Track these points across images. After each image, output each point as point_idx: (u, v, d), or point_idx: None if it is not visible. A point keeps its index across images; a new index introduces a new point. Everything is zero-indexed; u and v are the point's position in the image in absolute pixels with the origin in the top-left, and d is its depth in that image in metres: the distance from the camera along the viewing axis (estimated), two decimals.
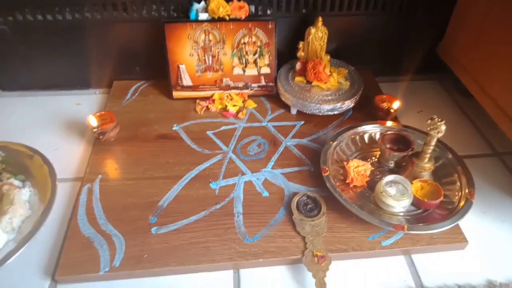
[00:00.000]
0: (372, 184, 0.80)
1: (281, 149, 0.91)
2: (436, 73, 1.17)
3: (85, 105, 1.08)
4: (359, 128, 0.91)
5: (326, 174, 0.79)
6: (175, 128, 0.96)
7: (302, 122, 0.99)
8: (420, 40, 1.11)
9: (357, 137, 0.91)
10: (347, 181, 0.81)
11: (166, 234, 0.72)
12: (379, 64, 1.16)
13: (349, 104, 0.97)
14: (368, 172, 0.81)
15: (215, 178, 0.83)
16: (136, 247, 0.70)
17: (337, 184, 0.79)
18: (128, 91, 1.08)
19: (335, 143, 0.87)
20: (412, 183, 0.77)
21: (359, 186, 0.80)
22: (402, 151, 0.83)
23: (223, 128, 0.97)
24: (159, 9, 1.00)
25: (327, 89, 1.00)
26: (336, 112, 0.97)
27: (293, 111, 1.01)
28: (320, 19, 0.97)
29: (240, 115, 1.00)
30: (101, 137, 0.89)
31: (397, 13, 1.06)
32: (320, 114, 0.96)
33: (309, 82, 1.01)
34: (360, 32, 1.09)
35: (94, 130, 0.89)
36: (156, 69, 1.06)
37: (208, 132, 0.95)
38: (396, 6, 1.04)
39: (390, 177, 0.77)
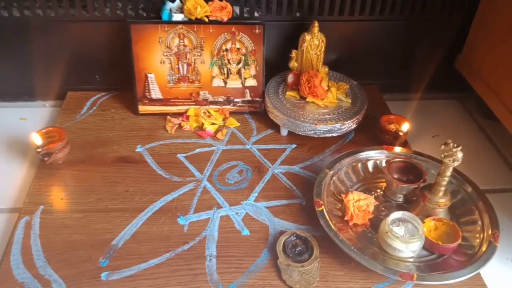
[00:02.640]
0: (376, 222, 0.79)
1: (267, 177, 0.90)
2: (456, 91, 1.19)
3: (32, 120, 1.07)
4: (361, 153, 0.91)
5: (320, 209, 0.78)
6: (138, 149, 0.95)
7: (294, 146, 0.98)
8: (436, 52, 1.13)
9: (359, 165, 0.91)
10: (345, 218, 0.80)
11: (119, 281, 0.70)
12: (387, 79, 1.18)
13: (350, 125, 0.97)
14: (371, 208, 0.80)
15: (185, 211, 0.82)
16: None
17: (334, 221, 0.78)
18: (84, 104, 1.07)
19: (332, 171, 0.87)
20: (424, 222, 0.77)
21: (360, 225, 0.80)
22: (412, 183, 0.83)
23: (197, 150, 0.96)
24: (125, 8, 1.01)
25: (324, 107, 1.00)
26: (334, 134, 0.97)
27: (284, 132, 1.01)
28: (316, 24, 0.98)
29: (219, 135, 1.00)
30: (46, 158, 0.88)
31: (408, 18, 1.08)
32: (316, 136, 0.96)
33: (303, 98, 1.02)
34: (365, 40, 1.11)
35: (38, 150, 0.87)
36: (120, 79, 1.07)
37: (179, 155, 0.94)
38: (407, 10, 1.07)
39: (398, 214, 0.76)
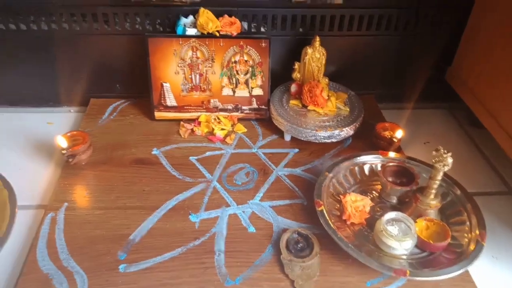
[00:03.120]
0: (371, 221, 0.79)
1: (271, 179, 0.90)
2: (446, 101, 1.18)
3: (58, 124, 1.07)
4: (358, 158, 0.91)
5: (320, 208, 0.78)
6: (154, 152, 0.95)
7: (296, 150, 0.98)
8: (427, 64, 1.12)
9: (356, 168, 0.90)
10: (343, 218, 0.79)
11: (136, 273, 0.70)
12: (383, 89, 1.17)
13: (348, 131, 0.97)
14: (367, 208, 0.80)
15: (196, 210, 0.81)
16: (100, 287, 0.67)
17: (332, 220, 0.77)
18: (105, 110, 1.07)
19: (331, 174, 0.86)
20: (416, 222, 0.76)
21: (357, 224, 0.79)
22: (406, 186, 0.82)
23: (208, 153, 0.96)
24: (143, 22, 1.01)
25: (324, 114, 1.00)
26: (333, 140, 0.96)
27: (287, 138, 1.01)
28: (317, 38, 0.98)
29: (228, 140, 1.00)
30: (70, 159, 0.88)
31: (402, 34, 1.08)
32: (317, 141, 0.96)
33: (304, 106, 1.01)
34: (362, 54, 1.11)
35: (63, 152, 0.87)
36: (138, 87, 1.07)
37: (191, 158, 0.94)
38: (401, 26, 1.07)
39: (392, 215, 0.76)
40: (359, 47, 1.10)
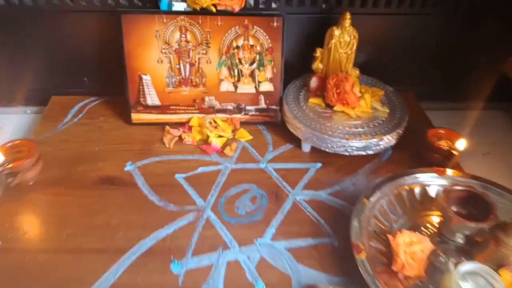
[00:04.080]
0: (433, 272, 0.55)
1: (287, 206, 0.67)
2: (506, 99, 0.95)
3: (9, 129, 0.85)
4: (406, 177, 0.68)
5: (361, 256, 0.55)
6: (128, 168, 0.72)
7: (319, 165, 0.75)
8: (487, 54, 0.89)
9: (404, 193, 0.67)
10: (394, 268, 0.56)
11: None
12: (426, 86, 0.94)
13: (389, 140, 0.74)
14: (427, 253, 0.56)
15: (181, 254, 0.58)
16: None
17: (378, 270, 0.54)
18: (69, 111, 0.85)
19: (372, 200, 0.63)
20: (499, 274, 0.52)
21: (413, 277, 0.56)
22: (480, 220, 0.58)
23: (200, 170, 0.73)
24: None
25: (356, 117, 0.77)
26: (370, 152, 0.73)
27: (306, 148, 0.78)
28: (348, 16, 0.75)
29: (227, 151, 0.76)
30: (10, 180, 0.65)
31: (455, 14, 0.85)
32: (346, 154, 0.73)
33: (329, 106, 0.78)
34: (401, 39, 0.88)
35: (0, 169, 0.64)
36: (111, 81, 0.84)
37: (177, 175, 0.71)
38: (454, 4, 0.83)
39: (468, 266, 0.53)
40: (396, 30, 0.87)
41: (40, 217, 0.64)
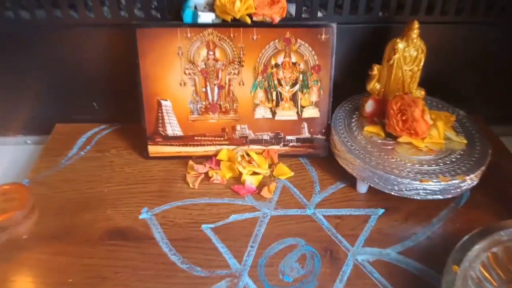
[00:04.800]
0: None
1: (346, 270, 0.52)
2: None
3: (4, 163, 0.73)
4: (502, 232, 0.53)
5: None
6: (144, 215, 0.59)
7: (381, 211, 0.61)
8: None
9: (500, 252, 0.52)
10: None
11: None
12: (495, 107, 0.79)
13: (473, 181, 0.59)
14: None
15: None
16: None
17: None
18: (75, 142, 0.73)
19: (462, 268, 0.48)
20: None
21: None
22: None
23: (232, 218, 0.59)
24: (130, 7, 0.66)
25: (426, 151, 0.62)
26: (448, 196, 0.58)
27: (362, 188, 0.64)
28: (416, 25, 0.62)
29: (265, 192, 0.63)
30: None
31: None
32: (418, 197, 0.58)
33: (390, 136, 0.64)
34: (467, 52, 0.74)
35: None
36: (125, 106, 0.72)
37: (204, 226, 0.58)
38: None
39: None
40: (462, 41, 0.73)
41: (33, 284, 0.51)
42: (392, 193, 0.59)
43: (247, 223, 0.59)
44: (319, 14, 0.68)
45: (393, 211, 0.61)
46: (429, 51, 0.65)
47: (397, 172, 0.59)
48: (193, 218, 0.59)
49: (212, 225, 0.58)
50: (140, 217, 0.59)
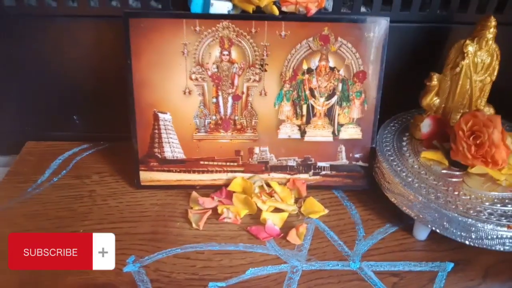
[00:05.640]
0: None
1: None
2: None
3: None
4: None
5: None
6: (129, 268, 0.44)
7: (451, 266, 0.46)
8: None
9: None
10: None
11: None
12: None
13: None
14: None
15: None
16: None
17: None
18: (48, 164, 0.60)
19: None
20: None
21: None
22: None
23: (250, 273, 0.45)
24: None
25: (507, 185, 0.48)
26: None
27: (421, 235, 0.49)
28: (493, 22, 0.48)
29: (292, 236, 0.49)
30: None
31: None
32: (500, 249, 0.44)
33: (456, 165, 0.50)
34: None
35: None
36: (113, 121, 0.58)
37: (212, 285, 0.43)
38: None
39: None
40: None
41: None
42: (462, 241, 0.45)
43: (270, 280, 0.44)
44: (362, 9, 0.55)
45: (466, 265, 0.47)
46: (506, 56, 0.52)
47: (474, 214, 0.44)
48: (196, 272, 0.44)
49: (224, 284, 0.43)
50: (125, 269, 0.44)
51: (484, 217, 0.44)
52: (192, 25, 0.49)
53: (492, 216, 0.44)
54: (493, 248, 0.45)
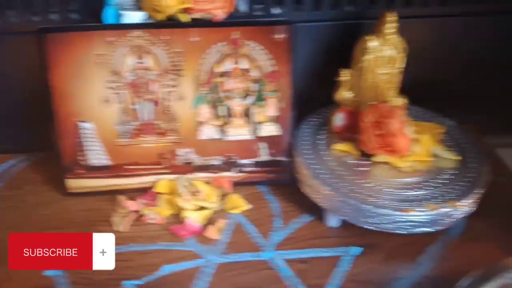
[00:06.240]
0: None
1: None
2: None
3: None
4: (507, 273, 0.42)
5: None
6: (50, 272, 0.47)
7: (359, 251, 0.50)
8: None
9: None
10: None
11: None
12: (489, 115, 0.69)
13: (469, 206, 0.49)
14: None
15: None
16: None
17: None
18: None
19: None
20: None
21: None
22: None
23: (165, 270, 0.48)
24: (42, 8, 0.56)
25: (410, 171, 0.52)
26: (438, 228, 0.48)
27: (332, 222, 0.53)
28: (390, 17, 0.53)
29: (210, 232, 0.52)
30: None
31: None
32: (401, 232, 0.48)
33: (365, 155, 0.54)
34: (459, 49, 0.64)
35: None
36: (37, 133, 0.60)
37: (126, 284, 0.46)
38: None
39: None
40: (448, 37, 0.64)
41: None
42: (372, 228, 0.49)
43: (185, 276, 0.48)
44: (272, 11, 0.59)
45: (372, 248, 0.51)
46: (410, 52, 0.55)
47: (374, 200, 0.48)
48: (114, 272, 0.47)
49: (136, 282, 0.46)
50: (44, 273, 0.47)
51: (381, 202, 0.48)
52: (104, 36, 0.52)
53: (393, 201, 0.48)
54: (393, 231, 0.48)
